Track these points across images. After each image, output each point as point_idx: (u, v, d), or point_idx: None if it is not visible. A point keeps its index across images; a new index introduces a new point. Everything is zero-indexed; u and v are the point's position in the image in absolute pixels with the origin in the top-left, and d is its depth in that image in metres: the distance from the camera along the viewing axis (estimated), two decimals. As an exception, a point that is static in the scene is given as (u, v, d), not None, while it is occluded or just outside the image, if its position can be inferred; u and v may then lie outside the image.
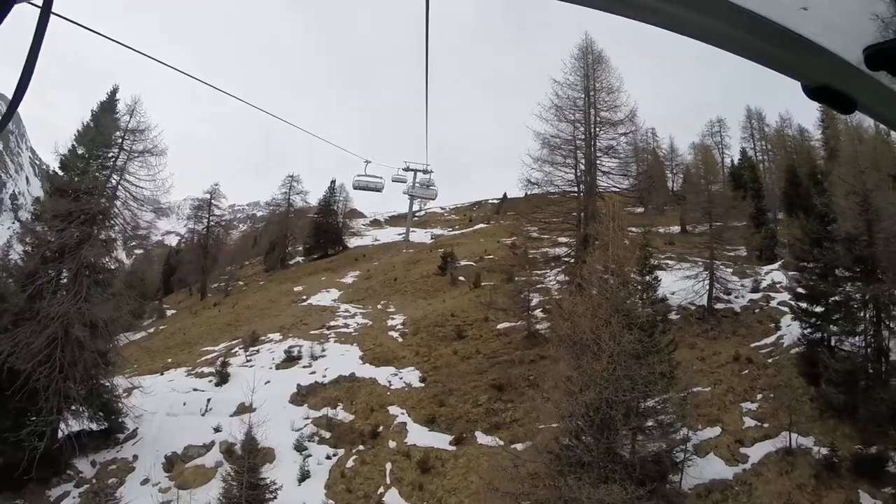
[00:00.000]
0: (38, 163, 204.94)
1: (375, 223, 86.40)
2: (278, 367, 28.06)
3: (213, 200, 62.76)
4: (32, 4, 0.97)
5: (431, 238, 62.80)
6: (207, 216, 61.83)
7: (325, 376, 24.27)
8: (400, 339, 27.37)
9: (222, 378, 28.09)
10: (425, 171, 63.52)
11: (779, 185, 43.58)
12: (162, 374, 33.24)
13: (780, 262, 33.60)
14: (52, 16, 0.92)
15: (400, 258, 51.52)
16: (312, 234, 60.68)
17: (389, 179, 50.71)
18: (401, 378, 22.19)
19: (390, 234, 69.92)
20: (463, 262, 41.79)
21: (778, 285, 29.69)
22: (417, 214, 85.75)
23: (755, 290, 28.52)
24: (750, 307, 26.47)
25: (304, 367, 27.13)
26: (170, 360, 37.07)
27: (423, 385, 21.25)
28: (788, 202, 40.02)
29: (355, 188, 32.99)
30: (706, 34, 1.14)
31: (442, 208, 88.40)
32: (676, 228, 48.06)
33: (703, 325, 24.63)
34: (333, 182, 64.56)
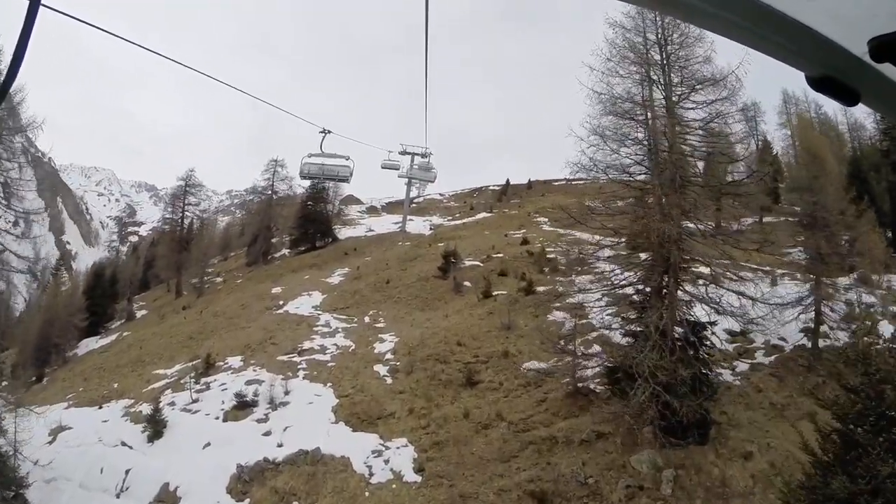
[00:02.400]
0: (31, 150, 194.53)
1: (372, 210, 78.12)
2: (227, 416, 20.21)
3: (188, 188, 54.31)
4: None
5: (430, 228, 54.59)
6: (182, 206, 53.45)
7: (280, 445, 16.38)
8: (389, 380, 19.44)
9: (156, 430, 20.34)
10: (424, 155, 55.03)
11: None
12: (100, 408, 25.96)
13: (856, 275, 25.08)
14: (42, 6, 0.89)
15: (394, 253, 43.42)
16: (298, 225, 52.34)
17: (379, 165, 42.45)
18: (386, 461, 14.25)
19: (386, 223, 61.53)
20: (467, 262, 33.73)
21: (873, 310, 21.78)
22: (416, 201, 77.46)
23: (850, 317, 20.27)
24: (857, 344, 18.33)
25: (259, 420, 19.27)
26: (115, 386, 29.57)
27: (419, 479, 13.32)
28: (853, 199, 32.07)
29: (304, 176, 20.16)
30: (709, 21, 1.06)
31: (441, 194, 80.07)
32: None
33: (809, 378, 16.67)
34: (322, 167, 55.96)
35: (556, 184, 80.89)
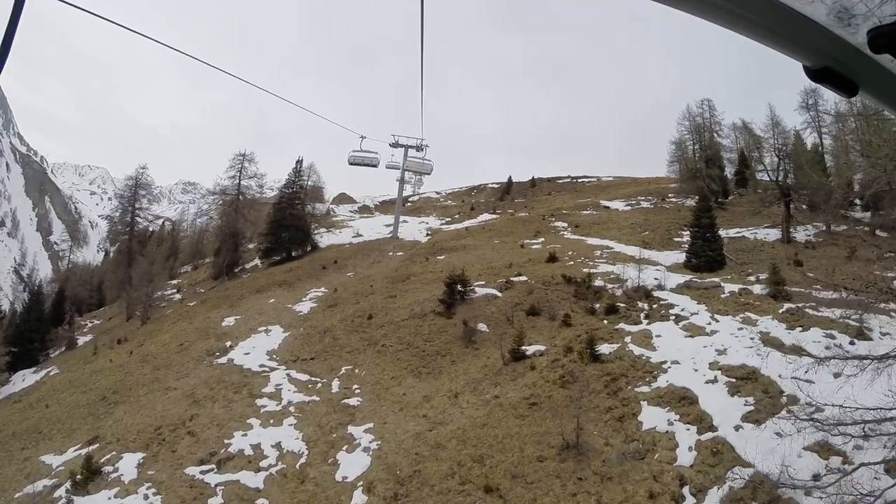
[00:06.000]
0: (21, 149, 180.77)
1: (364, 209, 67.67)
2: None
3: (140, 191, 43.85)
4: None
5: (427, 234, 44.34)
6: (131, 210, 42.97)
7: None
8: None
9: None
10: (419, 148, 44.82)
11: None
12: (-49, 528, 16.44)
13: None
14: None
15: (382, 269, 33.26)
16: (270, 231, 41.91)
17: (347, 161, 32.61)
18: None
19: (377, 225, 51.10)
20: (479, 289, 23.66)
21: None
22: (410, 199, 67.21)
23: None
24: None
25: None
26: (-6, 477, 19.76)
27: None
28: None
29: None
30: (710, 12, 1.00)
31: (437, 193, 69.82)
32: (769, 233, 29.95)
33: None
34: (300, 162, 45.46)
35: (562, 181, 71.01)
